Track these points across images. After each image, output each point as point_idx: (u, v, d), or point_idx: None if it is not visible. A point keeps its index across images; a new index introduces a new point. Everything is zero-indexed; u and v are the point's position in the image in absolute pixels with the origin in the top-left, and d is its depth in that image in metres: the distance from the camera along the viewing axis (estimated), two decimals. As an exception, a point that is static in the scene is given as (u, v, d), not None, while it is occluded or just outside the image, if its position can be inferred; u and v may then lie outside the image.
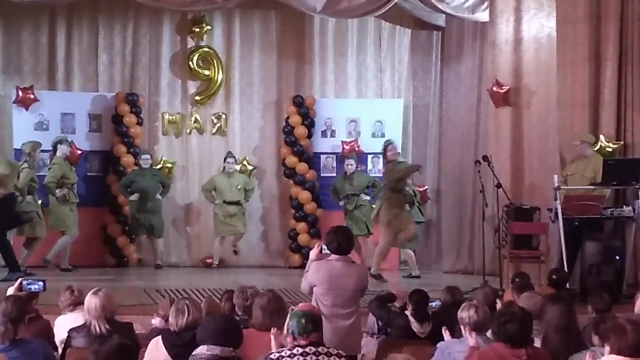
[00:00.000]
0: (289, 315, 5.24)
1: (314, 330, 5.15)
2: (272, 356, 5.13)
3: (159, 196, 13.71)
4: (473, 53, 14.03)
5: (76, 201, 12.92)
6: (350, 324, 6.85)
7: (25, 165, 12.31)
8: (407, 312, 7.36)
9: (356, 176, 13.62)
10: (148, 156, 13.68)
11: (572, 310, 5.99)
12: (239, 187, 13.81)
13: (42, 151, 12.90)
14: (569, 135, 11.96)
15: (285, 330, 5.21)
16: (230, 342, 5.06)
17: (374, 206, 12.93)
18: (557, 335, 5.76)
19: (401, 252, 13.87)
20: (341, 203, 13.58)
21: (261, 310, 5.98)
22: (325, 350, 5.12)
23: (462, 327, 5.94)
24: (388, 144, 12.51)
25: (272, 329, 5.67)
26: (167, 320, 6.44)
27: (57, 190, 12.61)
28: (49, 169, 12.79)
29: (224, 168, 13.89)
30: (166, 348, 5.70)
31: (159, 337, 5.85)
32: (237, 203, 13.81)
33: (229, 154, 13.94)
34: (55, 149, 12.86)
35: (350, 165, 13.64)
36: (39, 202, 12.54)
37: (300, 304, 5.40)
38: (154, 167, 13.90)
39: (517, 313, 5.29)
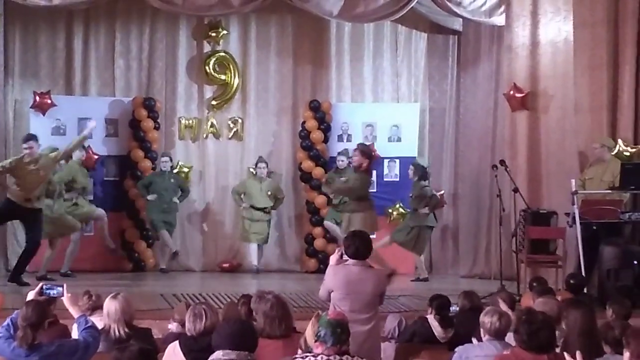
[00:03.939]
0: (317, 322, 5.18)
1: (346, 340, 5.12)
2: (294, 361, 5.11)
3: (176, 200, 13.74)
4: (490, 57, 14.00)
5: (82, 205, 12.87)
6: (369, 329, 6.81)
7: None
8: (429, 317, 7.35)
9: (347, 171, 13.59)
10: (167, 159, 13.72)
11: (593, 315, 5.97)
12: (269, 193, 13.82)
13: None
14: (587, 139, 11.93)
15: (312, 337, 5.17)
16: (246, 346, 5.05)
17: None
18: (579, 340, 5.74)
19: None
20: (331, 196, 13.56)
21: (263, 316, 5.93)
22: (350, 359, 5.08)
23: (482, 330, 5.92)
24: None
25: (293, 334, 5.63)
26: (183, 325, 6.45)
27: (66, 194, 12.63)
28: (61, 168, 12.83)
29: (256, 173, 13.92)
30: (184, 353, 5.70)
31: (177, 342, 5.84)
32: (264, 210, 13.83)
33: (260, 159, 13.94)
34: None
35: (341, 161, 13.61)
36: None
37: (331, 312, 5.34)
38: (173, 171, 13.93)
39: (544, 320, 5.26)
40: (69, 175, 12.69)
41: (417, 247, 13.16)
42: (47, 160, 11.80)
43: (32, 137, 11.87)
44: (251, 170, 14.16)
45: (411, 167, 13.34)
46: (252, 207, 13.74)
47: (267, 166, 13.97)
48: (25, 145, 11.69)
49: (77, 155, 12.90)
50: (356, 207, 11.85)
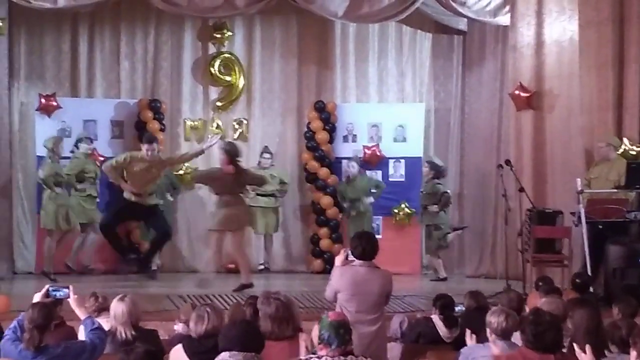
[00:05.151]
0: (320, 323, 5.17)
1: (350, 340, 5.11)
2: (299, 362, 5.11)
3: (170, 197, 13.74)
4: (495, 57, 14.00)
5: (95, 195, 13.16)
6: (375, 330, 6.82)
7: (49, 160, 12.57)
8: (433, 317, 7.35)
9: (358, 179, 13.59)
10: None
11: (599, 314, 5.96)
12: (275, 177, 13.82)
13: (63, 158, 13.01)
14: (593, 138, 11.91)
15: (316, 339, 5.16)
16: (253, 347, 5.05)
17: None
18: (584, 339, 5.72)
19: (424, 257, 13.89)
20: (345, 206, 13.63)
21: (270, 319, 5.93)
22: (354, 359, 5.07)
23: (488, 330, 5.90)
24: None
25: (299, 334, 5.62)
26: (189, 326, 6.46)
27: (78, 185, 12.86)
28: (70, 161, 13.06)
29: (259, 163, 13.89)
30: (187, 355, 5.69)
31: (180, 344, 5.84)
32: (272, 195, 13.82)
33: (265, 149, 13.91)
34: (77, 147, 13.16)
35: (352, 167, 13.62)
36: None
37: (331, 313, 5.33)
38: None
39: (551, 321, 5.25)
40: (78, 167, 12.91)
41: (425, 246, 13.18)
42: (160, 161, 12.21)
43: (155, 140, 12.26)
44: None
45: (426, 164, 13.35)
46: (259, 194, 13.67)
47: (272, 156, 13.96)
48: (146, 147, 11.94)
49: (84, 148, 13.08)
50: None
